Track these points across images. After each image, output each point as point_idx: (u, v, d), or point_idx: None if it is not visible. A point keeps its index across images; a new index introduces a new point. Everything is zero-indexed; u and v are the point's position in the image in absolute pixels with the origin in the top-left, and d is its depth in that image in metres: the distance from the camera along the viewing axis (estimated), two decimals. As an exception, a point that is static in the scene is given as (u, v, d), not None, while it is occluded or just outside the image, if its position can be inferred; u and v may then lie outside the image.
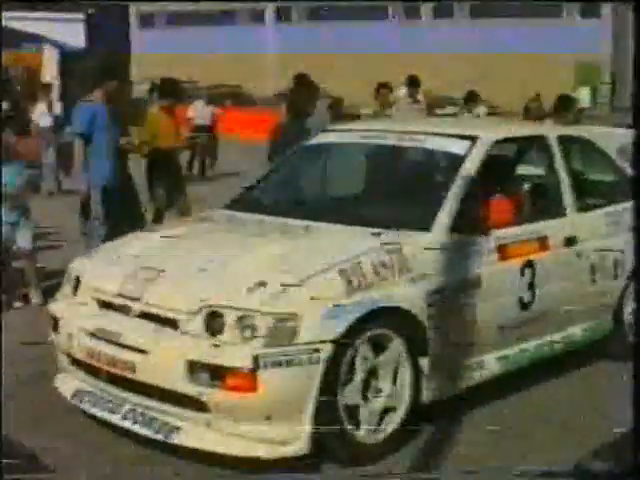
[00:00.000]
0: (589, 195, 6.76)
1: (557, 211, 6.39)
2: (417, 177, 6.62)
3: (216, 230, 6.05)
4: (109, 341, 5.09)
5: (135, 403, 5.06)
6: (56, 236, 10.77)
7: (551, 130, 6.96)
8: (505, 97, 35.26)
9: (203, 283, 5.00)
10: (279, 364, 4.62)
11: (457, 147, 6.08)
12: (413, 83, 13.00)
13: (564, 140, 6.68)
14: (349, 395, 4.89)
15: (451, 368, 5.52)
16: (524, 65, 42.94)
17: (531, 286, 5.93)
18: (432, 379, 5.31)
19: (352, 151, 7.00)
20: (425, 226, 5.54)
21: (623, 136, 7.22)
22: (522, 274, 5.88)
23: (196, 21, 53.85)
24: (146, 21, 57.33)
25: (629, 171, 6.84)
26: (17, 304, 8.25)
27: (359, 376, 4.94)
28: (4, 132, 8.39)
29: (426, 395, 5.30)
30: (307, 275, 4.89)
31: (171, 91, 10.00)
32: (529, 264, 5.92)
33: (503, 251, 5.78)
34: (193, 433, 4.82)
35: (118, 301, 5.23)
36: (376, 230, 5.49)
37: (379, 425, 5.10)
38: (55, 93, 26.03)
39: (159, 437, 4.88)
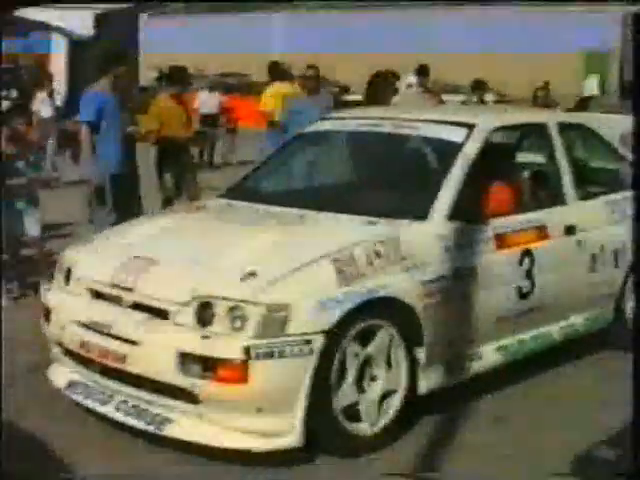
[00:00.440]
0: (590, 183, 6.69)
1: (557, 199, 6.32)
2: (414, 165, 6.54)
3: (210, 219, 6.00)
4: (101, 332, 5.04)
5: (127, 395, 5.01)
6: (65, 225, 10.72)
7: (551, 117, 6.88)
8: (514, 85, 35.14)
9: (195, 273, 4.94)
10: (270, 355, 4.55)
11: (455, 134, 6.01)
12: (423, 72, 12.81)
13: (564, 127, 6.61)
14: (344, 395, 4.84)
15: (448, 359, 5.45)
16: (533, 53, 42.77)
17: (530, 275, 5.85)
18: (429, 370, 5.26)
19: (348, 139, 6.94)
20: (422, 215, 5.47)
21: (625, 123, 7.13)
22: (521, 263, 5.81)
23: (204, 9, 53.68)
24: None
25: (631, 159, 6.76)
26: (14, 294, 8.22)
27: (353, 368, 4.87)
28: (14, 121, 8.36)
29: (422, 386, 5.24)
30: (299, 265, 4.82)
31: (179, 78, 9.93)
32: (528, 253, 5.84)
33: (501, 240, 5.71)
34: (184, 425, 4.77)
35: (110, 291, 5.17)
36: (372, 219, 5.43)
37: (379, 413, 5.05)
38: (62, 82, 26.05)
39: (150, 429, 4.83)
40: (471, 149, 5.86)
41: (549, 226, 6.08)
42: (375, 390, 5.04)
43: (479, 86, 14.84)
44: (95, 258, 5.50)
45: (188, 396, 4.68)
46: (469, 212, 5.59)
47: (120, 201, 8.20)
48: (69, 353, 5.37)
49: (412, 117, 6.52)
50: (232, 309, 4.64)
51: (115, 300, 5.13)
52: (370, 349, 4.96)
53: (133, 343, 4.84)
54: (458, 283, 5.42)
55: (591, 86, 33.63)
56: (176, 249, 5.30)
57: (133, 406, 4.96)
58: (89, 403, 5.19)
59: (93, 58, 9.42)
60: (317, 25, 48.39)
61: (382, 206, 5.65)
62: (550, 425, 5.40)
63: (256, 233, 5.40)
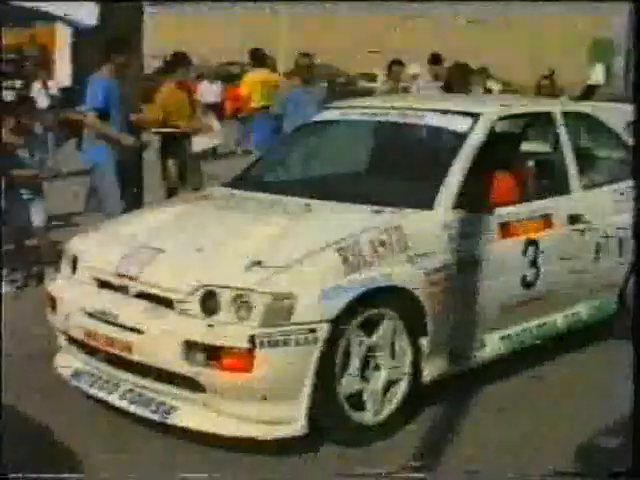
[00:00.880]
0: (595, 172, 6.70)
1: (561, 188, 6.32)
2: (419, 154, 6.53)
3: (215, 208, 6.00)
4: (106, 321, 5.05)
5: (132, 383, 5.03)
6: (68, 216, 10.73)
7: (556, 106, 6.87)
8: (519, 74, 35.09)
9: (200, 262, 4.95)
10: (275, 344, 4.57)
11: (460, 124, 6.01)
12: (435, 61, 12.60)
13: (569, 116, 6.61)
14: (348, 383, 4.85)
15: (453, 348, 5.47)
16: (539, 41, 42.71)
17: (534, 264, 5.86)
18: (433, 359, 5.27)
19: (353, 128, 6.94)
20: (427, 204, 5.48)
21: (630, 112, 7.11)
22: (525, 252, 5.82)
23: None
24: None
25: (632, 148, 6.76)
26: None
27: (357, 357, 4.89)
28: (18, 112, 8.37)
29: (426, 375, 5.26)
30: (304, 254, 4.84)
31: (181, 64, 9.90)
32: (532, 242, 5.85)
33: (506, 229, 5.72)
34: (190, 413, 4.79)
35: (116, 281, 5.18)
36: (377, 208, 5.44)
37: (383, 402, 5.07)
38: (67, 71, 26.04)
39: (156, 418, 4.85)
40: (476, 138, 5.87)
41: (554, 215, 6.09)
42: (379, 379, 5.05)
43: (483, 74, 14.93)
44: (101, 247, 5.51)
45: (193, 384, 4.70)
46: (474, 201, 5.59)
47: (124, 189, 8.21)
48: (75, 342, 5.38)
49: (417, 106, 6.52)
50: (237, 298, 4.65)
51: (121, 289, 5.14)
52: (375, 338, 4.98)
53: (139, 332, 4.85)
54: (462, 272, 5.42)
55: (597, 74, 33.49)
56: (181, 238, 5.31)
57: (139, 394, 4.98)
58: (95, 391, 5.20)
59: (97, 47, 9.40)
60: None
61: (387, 195, 5.65)
62: (553, 414, 5.42)
63: (261, 222, 5.41)
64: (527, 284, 5.85)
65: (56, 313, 5.46)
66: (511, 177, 5.83)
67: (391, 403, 5.12)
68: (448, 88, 10.28)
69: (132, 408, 4.96)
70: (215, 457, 4.79)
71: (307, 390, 4.66)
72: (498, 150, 6.03)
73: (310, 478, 4.67)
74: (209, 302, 4.72)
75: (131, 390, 5.03)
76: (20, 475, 4.34)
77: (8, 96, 12.22)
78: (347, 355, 4.84)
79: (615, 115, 7.19)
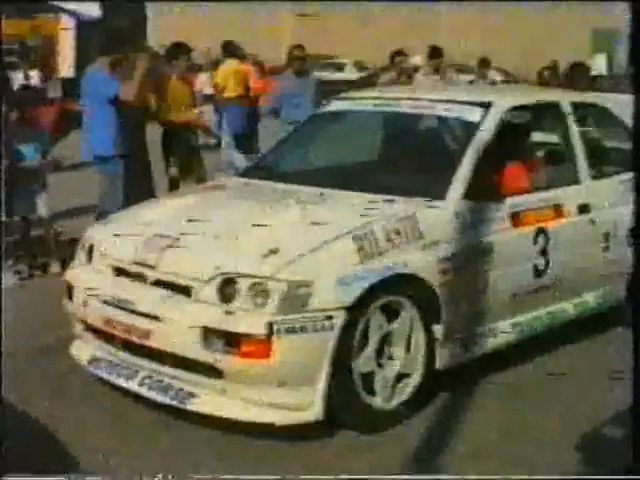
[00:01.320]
0: (603, 162, 6.75)
1: (571, 178, 6.39)
2: (431, 144, 6.62)
3: (230, 198, 6.07)
4: (124, 308, 5.11)
5: (150, 370, 5.09)
6: (70, 207, 10.76)
7: (565, 97, 6.94)
8: (521, 64, 35.08)
9: (217, 250, 5.02)
10: (293, 331, 4.63)
11: (471, 114, 6.07)
12: (435, 54, 12.61)
13: (578, 107, 6.67)
14: (363, 362, 4.92)
15: (465, 335, 5.53)
16: (540, 32, 42.66)
17: (544, 253, 5.93)
18: (446, 346, 5.34)
19: (366, 119, 7.00)
20: (439, 193, 5.54)
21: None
22: (535, 241, 5.88)
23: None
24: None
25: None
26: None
27: (373, 343, 4.96)
28: (23, 103, 8.39)
29: (440, 362, 5.32)
30: (320, 242, 4.90)
31: (180, 54, 9.90)
32: (542, 231, 5.92)
33: (516, 218, 5.79)
34: (208, 399, 4.85)
35: (133, 269, 5.24)
36: (390, 197, 5.51)
37: (393, 392, 5.13)
38: (71, 62, 26.02)
39: (174, 403, 4.91)
40: (487, 128, 5.93)
41: (563, 205, 6.15)
42: (392, 368, 5.12)
43: (484, 64, 14.99)
44: (118, 236, 5.56)
45: (211, 371, 4.76)
46: (485, 191, 5.67)
47: (129, 183, 8.21)
48: (92, 330, 5.45)
49: (429, 97, 6.59)
50: (254, 286, 4.72)
51: (138, 277, 5.20)
52: (394, 325, 5.06)
53: (157, 319, 4.91)
54: (474, 261, 5.50)
55: (599, 65, 33.47)
56: (197, 227, 5.36)
57: (157, 381, 5.04)
58: (113, 378, 5.27)
59: (101, 39, 9.39)
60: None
61: (399, 185, 5.73)
62: (559, 402, 5.48)
63: (277, 211, 5.47)
64: (537, 273, 5.91)
65: (73, 301, 5.52)
66: (522, 167, 5.91)
67: (402, 394, 5.19)
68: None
69: (151, 394, 5.02)
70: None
71: (324, 376, 4.73)
72: (509, 140, 6.10)
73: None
74: (227, 289, 4.79)
75: (149, 377, 5.09)
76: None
77: (13, 86, 12.24)
78: (363, 340, 4.91)
79: (623, 105, 7.24)
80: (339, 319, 4.71)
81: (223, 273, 4.82)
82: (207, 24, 47.12)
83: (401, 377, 5.18)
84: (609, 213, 6.43)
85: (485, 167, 5.72)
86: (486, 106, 6.08)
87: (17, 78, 16.21)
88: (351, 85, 23.79)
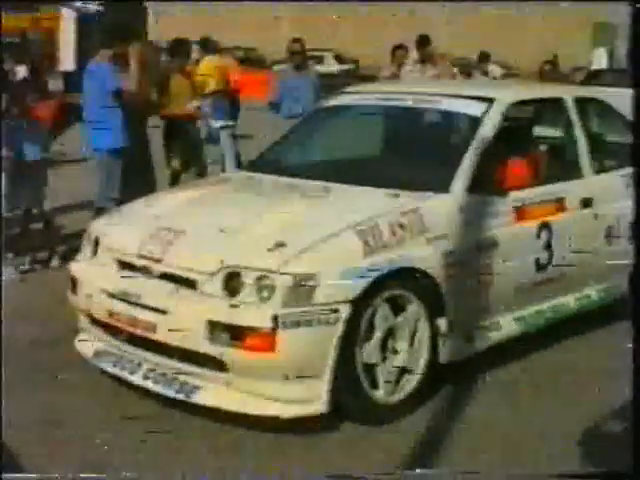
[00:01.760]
0: (606, 157, 6.78)
1: (574, 173, 6.41)
2: (434, 138, 6.64)
3: (235, 191, 6.10)
4: (129, 302, 5.13)
5: (155, 363, 5.11)
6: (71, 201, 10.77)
7: (568, 92, 6.95)
8: (521, 58, 35.07)
9: (222, 244, 5.03)
10: (298, 324, 4.65)
11: (474, 108, 6.10)
12: (422, 43, 12.33)
13: (581, 102, 6.69)
14: (367, 354, 4.94)
15: (468, 329, 5.56)
16: (540, 26, 42.64)
17: (547, 247, 5.96)
18: (449, 339, 5.35)
19: (370, 113, 7.01)
20: (443, 187, 5.57)
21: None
22: (538, 235, 5.91)
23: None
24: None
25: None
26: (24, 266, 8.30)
27: (377, 336, 4.98)
28: (24, 96, 8.38)
29: (443, 355, 5.34)
30: (325, 236, 4.92)
31: (181, 51, 9.92)
32: (546, 225, 5.94)
33: (520, 212, 5.81)
34: (213, 392, 4.87)
35: (138, 262, 5.25)
36: (395, 191, 5.53)
37: (397, 385, 5.15)
38: (71, 56, 25.96)
39: (179, 396, 4.93)
40: (490, 123, 5.96)
41: (566, 199, 6.18)
42: (395, 362, 5.14)
43: (484, 58, 15.05)
44: (122, 229, 5.59)
45: (217, 364, 4.78)
46: (489, 185, 5.69)
47: (128, 178, 8.22)
48: (96, 323, 5.46)
49: (433, 91, 6.62)
50: (260, 279, 4.73)
51: (143, 270, 5.22)
52: (399, 319, 5.08)
53: (162, 312, 4.92)
54: (478, 254, 5.52)
55: (599, 59, 33.51)
56: (202, 220, 5.39)
57: (161, 374, 5.06)
58: (117, 371, 5.28)
59: (102, 32, 9.41)
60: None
61: (403, 179, 5.74)
62: (559, 397, 5.50)
63: (282, 205, 5.50)
64: (540, 266, 5.94)
65: (77, 294, 5.54)
66: (525, 161, 5.92)
67: (403, 390, 5.20)
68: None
69: (155, 387, 5.04)
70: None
71: (329, 369, 4.74)
72: (512, 135, 6.14)
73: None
74: (232, 283, 4.80)
75: (153, 370, 5.10)
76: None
77: (15, 79, 12.20)
78: (369, 332, 4.93)
79: (625, 100, 7.25)
80: (344, 312, 4.73)
81: (228, 266, 4.83)
82: (206, 18, 47.17)
83: (405, 371, 5.20)
84: (612, 207, 6.45)
85: (489, 161, 5.75)
86: (489, 101, 6.11)
87: (19, 71, 16.14)
88: (332, 78, 23.87)
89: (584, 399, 5.40)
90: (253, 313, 4.68)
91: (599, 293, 6.54)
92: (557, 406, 5.34)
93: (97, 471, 4.48)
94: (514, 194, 5.78)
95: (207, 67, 11.97)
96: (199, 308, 4.81)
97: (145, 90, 8.56)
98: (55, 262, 8.33)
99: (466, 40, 37.37)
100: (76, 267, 5.71)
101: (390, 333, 5.08)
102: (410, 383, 5.21)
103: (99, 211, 7.39)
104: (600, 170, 6.60)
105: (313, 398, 4.79)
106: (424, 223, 5.27)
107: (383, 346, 5.05)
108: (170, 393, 4.97)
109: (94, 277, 5.47)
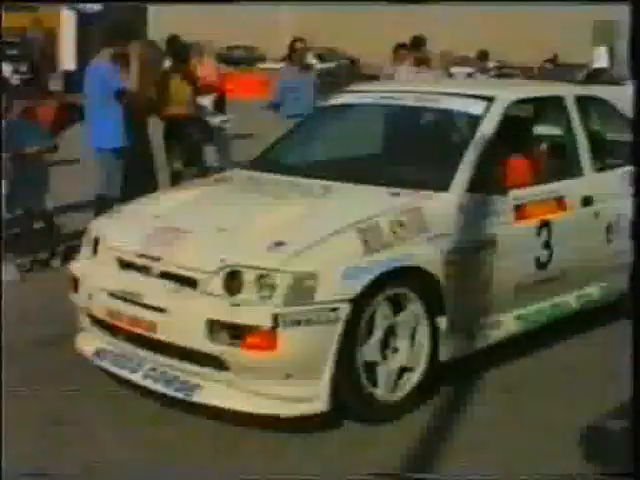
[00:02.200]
0: (606, 155, 6.78)
1: (574, 171, 6.42)
2: (435, 137, 6.66)
3: (236, 190, 6.10)
4: (130, 301, 5.13)
5: (156, 362, 5.11)
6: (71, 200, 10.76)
7: (568, 90, 6.96)
8: (521, 57, 35.08)
9: (223, 243, 5.03)
10: (298, 323, 4.65)
11: (474, 107, 6.11)
12: (416, 44, 12.14)
13: (581, 100, 6.69)
14: (368, 352, 4.94)
15: (468, 327, 5.57)
16: (541, 24, 42.65)
17: (548, 246, 5.96)
18: (450, 338, 5.35)
19: (370, 112, 7.03)
20: (443, 186, 5.57)
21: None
22: (539, 234, 5.91)
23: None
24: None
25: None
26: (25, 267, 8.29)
27: (377, 335, 4.98)
28: (26, 96, 8.39)
29: (443, 354, 5.34)
30: (325, 235, 4.92)
31: (176, 50, 9.90)
32: (546, 224, 5.95)
33: (520, 211, 5.82)
34: (213, 391, 4.87)
35: (139, 261, 5.25)
36: (395, 190, 5.54)
37: (397, 384, 5.16)
38: (71, 55, 26.02)
39: (180, 395, 4.92)
40: (490, 121, 5.96)
41: (566, 197, 6.18)
42: (395, 361, 5.14)
43: (484, 56, 15.11)
44: (123, 229, 5.59)
45: (217, 363, 4.77)
46: (489, 183, 5.70)
47: (128, 176, 8.22)
48: (97, 322, 5.46)
49: (433, 90, 6.62)
50: (260, 278, 4.73)
51: (143, 270, 5.21)
52: (399, 317, 5.09)
53: (163, 312, 4.92)
54: (478, 253, 5.52)
55: (600, 57, 33.47)
56: (203, 219, 5.40)
57: (162, 373, 5.05)
58: (117, 370, 5.28)
59: (102, 31, 9.41)
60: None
61: (404, 177, 5.75)
62: (559, 396, 5.50)
63: (282, 204, 5.51)
64: (541, 265, 5.94)
65: (78, 294, 5.54)
66: (525, 160, 5.93)
67: (403, 388, 5.20)
68: None
69: (156, 386, 5.03)
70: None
71: (329, 368, 4.74)
72: (512, 133, 6.13)
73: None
74: (233, 282, 4.80)
75: (154, 369, 5.10)
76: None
77: (15, 80, 12.22)
78: (369, 331, 4.94)
79: (625, 98, 7.25)
80: (344, 311, 4.73)
81: (229, 265, 4.83)
82: (207, 16, 47.22)
83: (405, 369, 5.20)
84: (612, 205, 6.45)
85: (489, 160, 5.75)
86: (490, 99, 6.11)
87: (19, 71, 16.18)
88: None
89: (584, 399, 5.40)
90: (254, 312, 4.68)
91: (600, 291, 6.54)
92: (557, 406, 5.34)
93: (97, 471, 4.49)
94: (514, 192, 5.78)
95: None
96: (200, 307, 4.81)
97: (146, 89, 8.55)
98: (55, 262, 8.33)
99: (466, 39, 37.44)
100: (76, 267, 5.70)
101: (390, 331, 5.08)
102: (410, 382, 5.22)
103: (99, 210, 7.37)
104: (600, 168, 6.60)
105: (313, 397, 4.79)
106: (424, 222, 5.27)
107: (383, 345, 5.05)
108: (170, 392, 4.97)
109: (94, 276, 5.46)
